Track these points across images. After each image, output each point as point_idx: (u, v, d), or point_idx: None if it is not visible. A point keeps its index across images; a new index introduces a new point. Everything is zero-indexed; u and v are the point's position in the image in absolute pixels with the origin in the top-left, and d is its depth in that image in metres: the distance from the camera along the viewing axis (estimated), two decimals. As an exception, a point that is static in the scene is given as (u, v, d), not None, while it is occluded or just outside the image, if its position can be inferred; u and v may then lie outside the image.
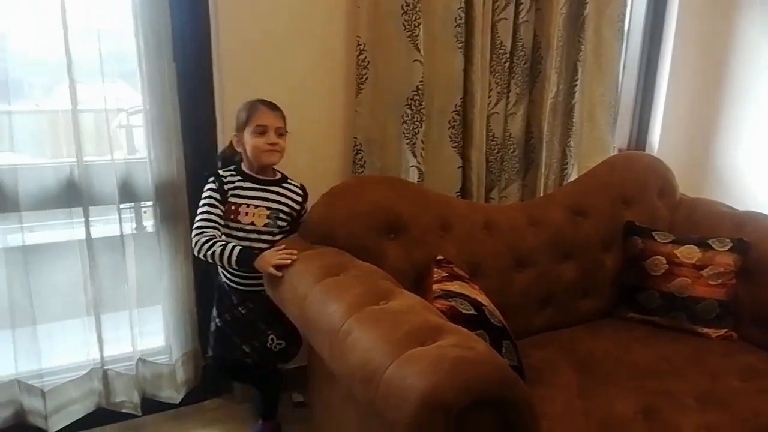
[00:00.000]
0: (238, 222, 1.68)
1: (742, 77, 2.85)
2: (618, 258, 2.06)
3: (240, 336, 1.77)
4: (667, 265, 1.94)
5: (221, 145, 1.98)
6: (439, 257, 1.68)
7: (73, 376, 1.94)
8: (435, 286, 1.53)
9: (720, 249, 1.92)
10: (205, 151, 1.99)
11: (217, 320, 1.79)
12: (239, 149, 1.69)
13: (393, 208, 1.70)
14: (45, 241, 2.13)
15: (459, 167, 2.22)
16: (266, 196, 1.71)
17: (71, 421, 1.95)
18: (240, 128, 1.68)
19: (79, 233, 1.88)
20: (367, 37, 1.99)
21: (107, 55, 1.77)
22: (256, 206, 1.69)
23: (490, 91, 2.24)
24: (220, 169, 1.75)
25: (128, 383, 2.00)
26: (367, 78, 2.01)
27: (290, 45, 1.97)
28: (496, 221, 1.89)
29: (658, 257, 1.96)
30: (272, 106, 1.69)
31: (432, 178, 2.19)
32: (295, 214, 1.76)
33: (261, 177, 1.72)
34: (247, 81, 1.93)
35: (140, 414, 2.01)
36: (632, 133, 3.02)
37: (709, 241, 1.94)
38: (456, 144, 2.20)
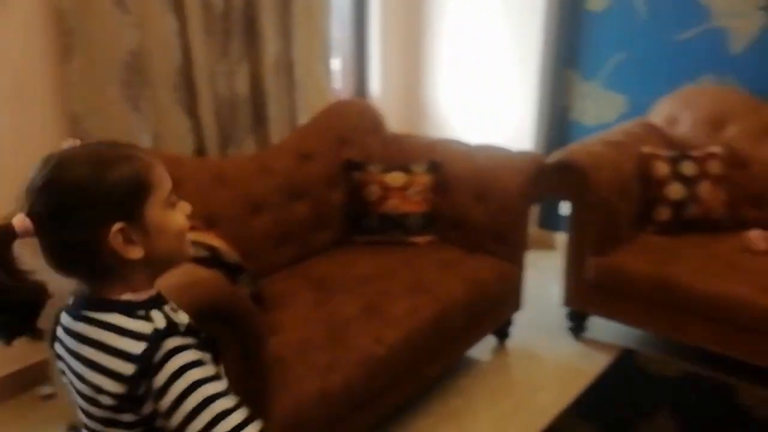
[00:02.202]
0: None
1: (436, 25, 3.35)
2: (342, 192, 2.37)
3: None
4: (380, 191, 2.30)
5: None
6: (173, 212, 1.79)
7: None
8: (170, 238, 1.65)
9: (418, 171, 2.33)
10: None
11: None
12: (134, 254, 0.83)
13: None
14: None
15: (190, 128, 2.32)
16: None
17: None
18: (131, 209, 0.82)
19: None
20: (69, 3, 1.95)
21: None
22: None
23: (211, 52, 2.36)
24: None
25: None
26: (73, 46, 1.98)
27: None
28: (227, 173, 2.06)
29: (373, 185, 2.31)
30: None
31: (165, 141, 2.26)
32: None
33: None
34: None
35: None
36: (356, 83, 3.39)
37: (410, 166, 2.34)
38: (184, 106, 2.29)
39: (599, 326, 2.53)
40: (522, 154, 2.34)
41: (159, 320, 0.83)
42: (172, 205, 0.87)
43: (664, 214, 2.40)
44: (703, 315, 2.11)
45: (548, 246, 3.33)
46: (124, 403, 0.80)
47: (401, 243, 2.31)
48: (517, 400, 2.20)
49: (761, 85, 2.54)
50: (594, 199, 2.27)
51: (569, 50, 3.09)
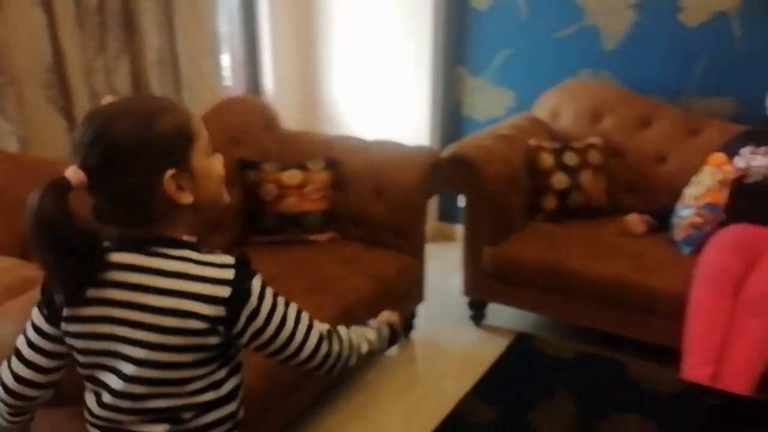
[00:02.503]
0: None
1: (330, 20, 3.33)
2: (237, 192, 2.28)
3: None
4: (277, 190, 2.24)
5: None
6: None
7: None
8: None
9: (315, 168, 2.30)
10: None
11: None
12: (184, 199, 0.90)
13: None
14: None
15: (66, 129, 2.14)
16: None
17: None
18: (179, 154, 0.89)
19: None
20: None
21: None
22: None
23: (85, 47, 2.19)
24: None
25: None
26: None
27: None
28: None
29: (269, 184, 2.25)
30: None
31: (37, 144, 2.07)
32: None
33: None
34: None
35: None
36: (248, 79, 3.29)
37: (307, 163, 2.30)
38: (58, 105, 2.10)
39: (499, 313, 2.62)
40: (417, 149, 2.37)
41: (220, 253, 0.93)
42: (210, 154, 0.94)
43: (551, 202, 2.52)
44: (589, 297, 2.24)
45: (449, 238, 3.41)
46: (217, 324, 0.88)
47: (301, 242, 2.27)
48: (423, 392, 2.23)
49: (632, 79, 2.74)
50: (486, 191, 2.34)
51: (458, 47, 3.17)
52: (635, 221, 2.39)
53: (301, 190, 2.25)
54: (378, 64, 3.25)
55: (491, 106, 3.18)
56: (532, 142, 2.55)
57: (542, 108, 2.83)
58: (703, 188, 2.17)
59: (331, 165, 2.32)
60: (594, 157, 2.55)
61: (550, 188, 2.51)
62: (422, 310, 2.54)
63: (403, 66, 3.19)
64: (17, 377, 0.97)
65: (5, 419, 1.01)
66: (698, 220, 2.16)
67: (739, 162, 2.20)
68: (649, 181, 2.56)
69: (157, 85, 2.41)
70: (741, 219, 2.11)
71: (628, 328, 2.22)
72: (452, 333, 2.61)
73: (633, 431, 1.38)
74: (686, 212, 2.21)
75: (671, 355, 1.98)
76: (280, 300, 0.97)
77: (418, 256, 2.37)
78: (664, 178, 2.52)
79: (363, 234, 2.32)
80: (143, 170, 0.86)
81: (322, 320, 1.77)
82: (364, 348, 1.07)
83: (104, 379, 0.92)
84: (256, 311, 0.91)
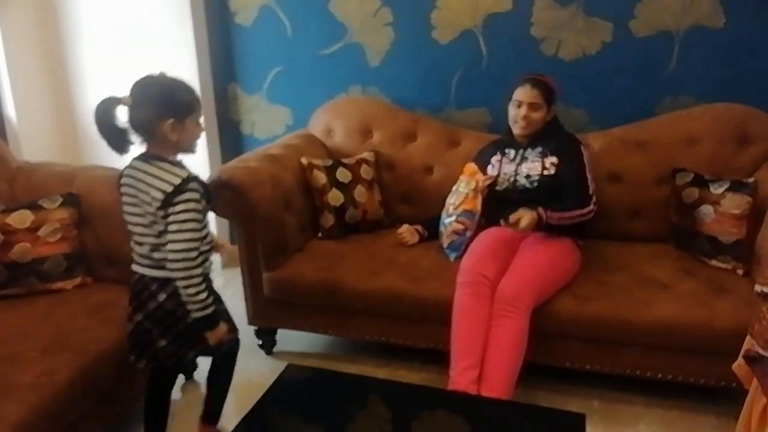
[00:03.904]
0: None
1: (77, 40, 3.00)
2: (-49, 242, 1.92)
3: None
4: (1, 236, 1.92)
5: None
6: None
7: None
8: None
9: (51, 207, 2.01)
10: None
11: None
12: (173, 138, 1.53)
13: None
14: None
15: None
16: None
17: None
18: (180, 115, 1.53)
19: None
20: None
21: None
22: None
23: None
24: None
25: None
26: None
27: None
28: None
29: (-12, 231, 1.92)
30: None
31: None
32: None
33: None
34: None
35: None
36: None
37: (40, 202, 2.01)
38: None
39: (290, 337, 2.52)
40: (177, 176, 2.18)
41: (185, 170, 1.56)
42: (198, 123, 1.58)
43: (328, 220, 2.49)
44: (368, 311, 2.23)
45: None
46: (161, 203, 1.50)
47: (41, 292, 1.96)
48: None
49: (397, 94, 2.82)
50: (256, 215, 2.24)
51: (229, 65, 3.04)
52: (407, 232, 2.44)
53: (34, 233, 1.95)
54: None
55: (270, 124, 3.10)
56: (304, 160, 2.50)
57: (316, 125, 2.81)
58: (460, 197, 2.28)
59: (70, 201, 2.04)
60: (366, 171, 2.58)
61: (326, 205, 2.48)
62: (204, 347, 2.34)
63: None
64: None
65: None
66: (459, 226, 2.26)
67: (491, 170, 2.35)
68: (420, 191, 2.65)
69: None
70: (495, 223, 2.25)
71: (409, 338, 2.25)
72: (242, 365, 2.41)
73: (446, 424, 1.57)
74: (449, 220, 2.30)
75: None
76: (193, 229, 1.52)
77: (190, 290, 2.17)
78: (432, 187, 2.62)
79: (120, 274, 2.06)
80: (157, 113, 1.49)
81: (53, 385, 1.55)
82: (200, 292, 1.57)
83: (133, 230, 1.59)
84: (178, 202, 1.50)
